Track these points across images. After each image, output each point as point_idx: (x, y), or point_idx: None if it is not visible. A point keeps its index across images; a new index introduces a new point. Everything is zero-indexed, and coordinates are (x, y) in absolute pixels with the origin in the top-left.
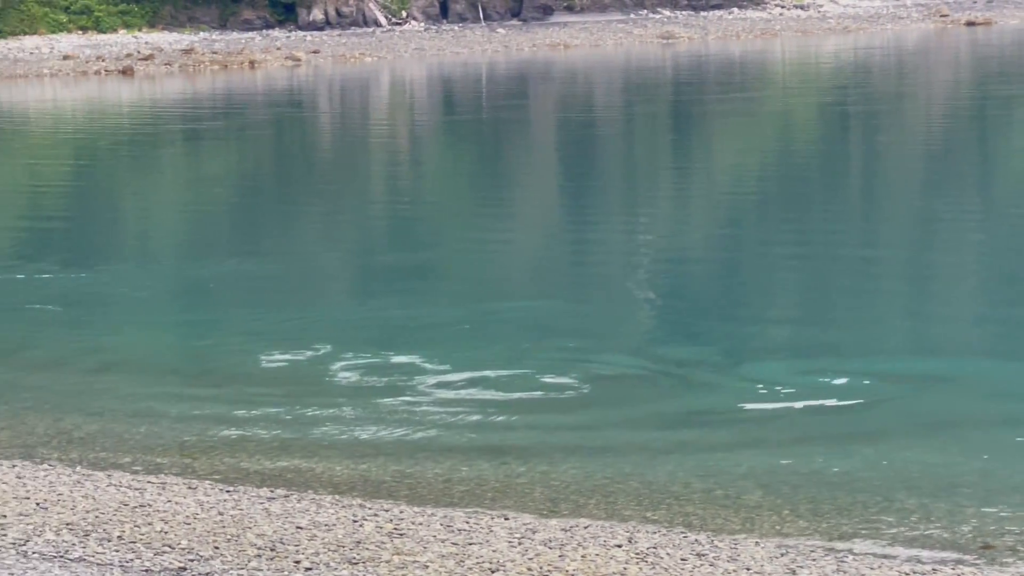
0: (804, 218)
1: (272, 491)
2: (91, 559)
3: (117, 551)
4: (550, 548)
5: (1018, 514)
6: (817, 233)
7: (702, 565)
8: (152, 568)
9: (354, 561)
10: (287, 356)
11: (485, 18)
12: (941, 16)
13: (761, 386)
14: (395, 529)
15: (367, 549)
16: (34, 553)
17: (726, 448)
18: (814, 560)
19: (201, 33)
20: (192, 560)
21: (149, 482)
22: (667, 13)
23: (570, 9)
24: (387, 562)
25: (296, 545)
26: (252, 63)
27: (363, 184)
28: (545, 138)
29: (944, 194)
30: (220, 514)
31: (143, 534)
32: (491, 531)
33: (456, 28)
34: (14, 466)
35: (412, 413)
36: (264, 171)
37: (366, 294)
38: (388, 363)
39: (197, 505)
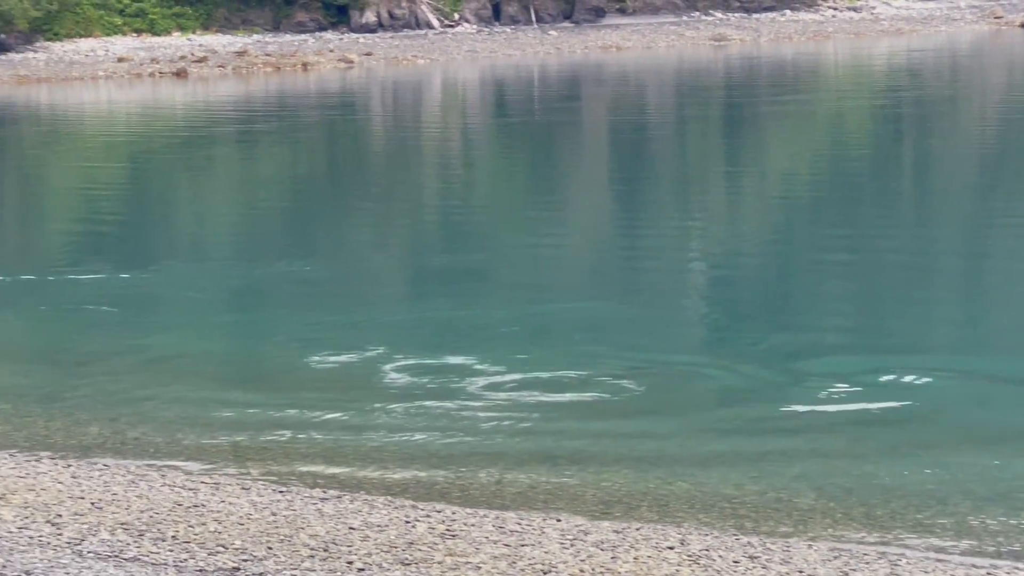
0: (857, 221)
1: (325, 492)
2: (145, 559)
3: (171, 551)
4: (602, 550)
5: None
6: (870, 236)
7: (754, 568)
8: (206, 568)
9: (406, 562)
10: (339, 357)
11: (537, 20)
12: (995, 18)
13: (814, 389)
14: (447, 530)
15: (419, 550)
16: (89, 552)
17: (778, 451)
18: (867, 563)
19: (254, 35)
20: (245, 560)
21: (203, 482)
22: (719, 15)
23: (622, 11)
24: (439, 563)
25: (349, 546)
26: (305, 65)
27: (415, 186)
28: (597, 141)
29: (998, 197)
30: (273, 514)
31: (197, 534)
32: (543, 533)
33: (508, 30)
34: (69, 466)
35: (464, 415)
36: (316, 173)
37: (418, 296)
38: (440, 365)
39: (250, 505)
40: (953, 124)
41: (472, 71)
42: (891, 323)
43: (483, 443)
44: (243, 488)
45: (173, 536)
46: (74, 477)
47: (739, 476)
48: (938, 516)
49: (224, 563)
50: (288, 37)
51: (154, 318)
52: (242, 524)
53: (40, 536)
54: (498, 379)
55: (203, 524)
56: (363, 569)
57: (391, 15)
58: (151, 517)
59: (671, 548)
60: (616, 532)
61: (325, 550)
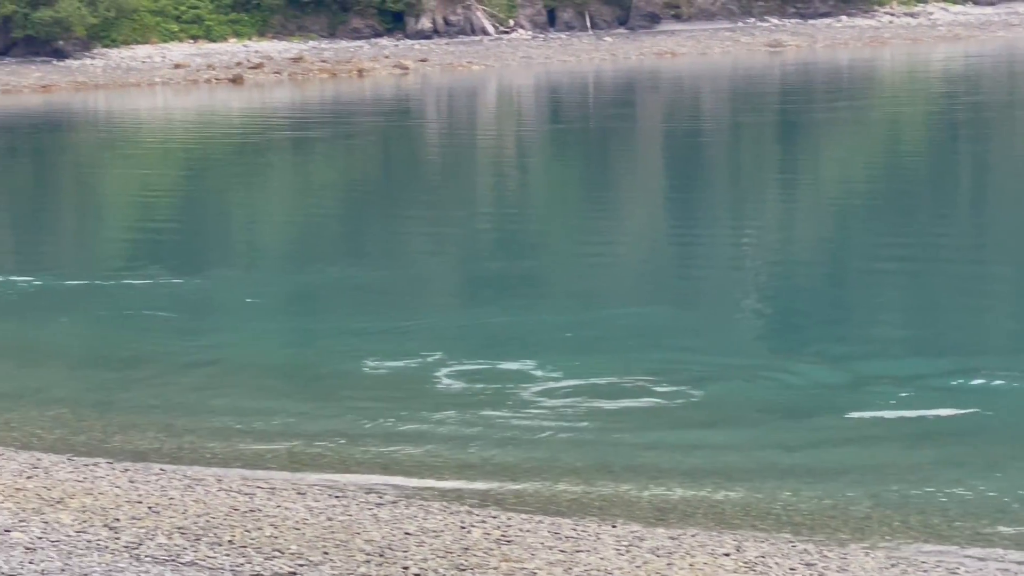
0: (912, 227)
1: (380, 497)
2: (202, 563)
3: (228, 555)
4: (658, 556)
5: None
6: (926, 243)
7: (811, 575)
8: (262, 573)
9: (462, 567)
10: (394, 363)
11: (592, 26)
12: None
13: (871, 395)
14: (503, 536)
15: (475, 555)
16: (147, 556)
17: (835, 457)
18: (925, 572)
19: (310, 42)
20: (302, 565)
21: (259, 487)
22: (775, 21)
23: (677, 17)
24: (495, 568)
25: (404, 551)
26: (360, 71)
27: (469, 193)
28: (651, 147)
29: None
30: (329, 519)
31: (253, 539)
32: (598, 539)
33: (563, 36)
34: (126, 470)
35: (518, 421)
36: (370, 179)
37: (472, 302)
38: (494, 370)
39: (306, 510)
40: (1010, 130)
41: (527, 77)
42: (949, 330)
43: (538, 449)
44: (299, 493)
45: (230, 540)
46: (131, 481)
47: (795, 482)
48: (997, 524)
49: (280, 568)
50: (344, 43)
51: (210, 323)
52: (298, 529)
53: (98, 540)
54: (553, 385)
55: (259, 529)
56: (419, 574)
57: (446, 21)
58: (208, 521)
59: (727, 555)
60: (672, 538)
61: (381, 555)
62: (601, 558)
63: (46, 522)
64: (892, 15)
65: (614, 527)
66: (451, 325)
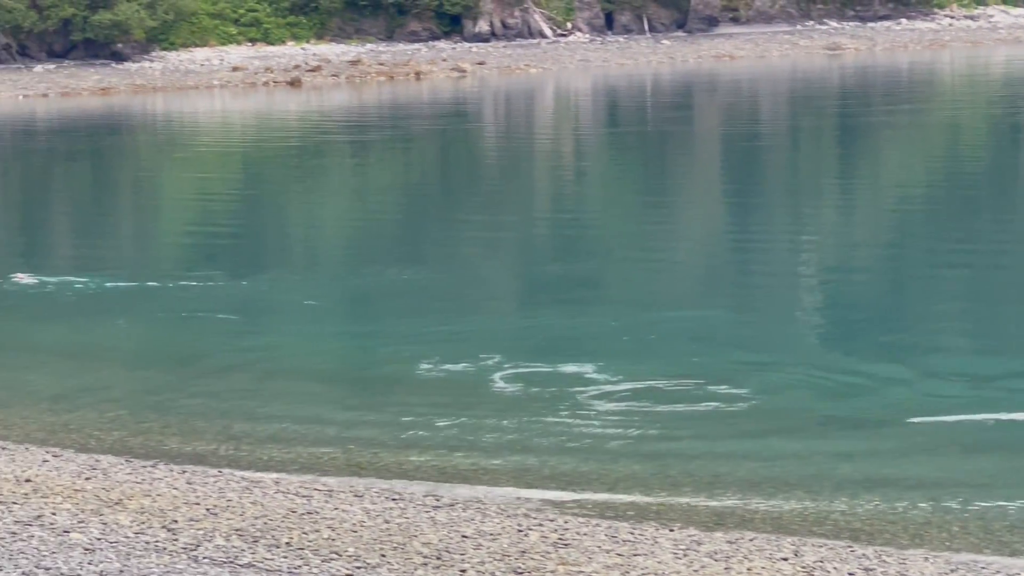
0: (971, 230)
1: (437, 500)
2: (260, 565)
3: (285, 557)
4: (715, 560)
5: None
6: (987, 247)
7: None
8: (320, 575)
9: (519, 571)
10: (450, 365)
11: (650, 29)
12: None
13: (929, 398)
14: (560, 539)
15: (532, 558)
16: (205, 558)
17: (893, 461)
18: None
19: (368, 45)
20: (359, 567)
21: (316, 489)
22: (834, 24)
23: (735, 20)
24: (552, 572)
25: (462, 554)
26: (418, 74)
27: (527, 196)
28: (709, 151)
29: None
30: (386, 522)
31: (311, 541)
32: (656, 543)
33: (621, 40)
34: (184, 471)
35: (575, 423)
36: (428, 182)
37: (529, 305)
38: (551, 373)
39: (364, 513)
40: None
41: (584, 80)
42: (1011, 335)
43: (595, 453)
44: (356, 495)
45: (287, 543)
46: (189, 483)
47: (853, 487)
48: None
49: (338, 570)
50: (401, 46)
51: (268, 325)
52: (355, 531)
53: (156, 541)
54: (610, 389)
55: (317, 531)
56: None
57: (504, 24)
58: (265, 523)
59: (785, 559)
60: (729, 543)
61: (438, 558)
62: (659, 562)
63: (105, 523)
64: (952, 18)
65: (671, 531)
66: (508, 328)
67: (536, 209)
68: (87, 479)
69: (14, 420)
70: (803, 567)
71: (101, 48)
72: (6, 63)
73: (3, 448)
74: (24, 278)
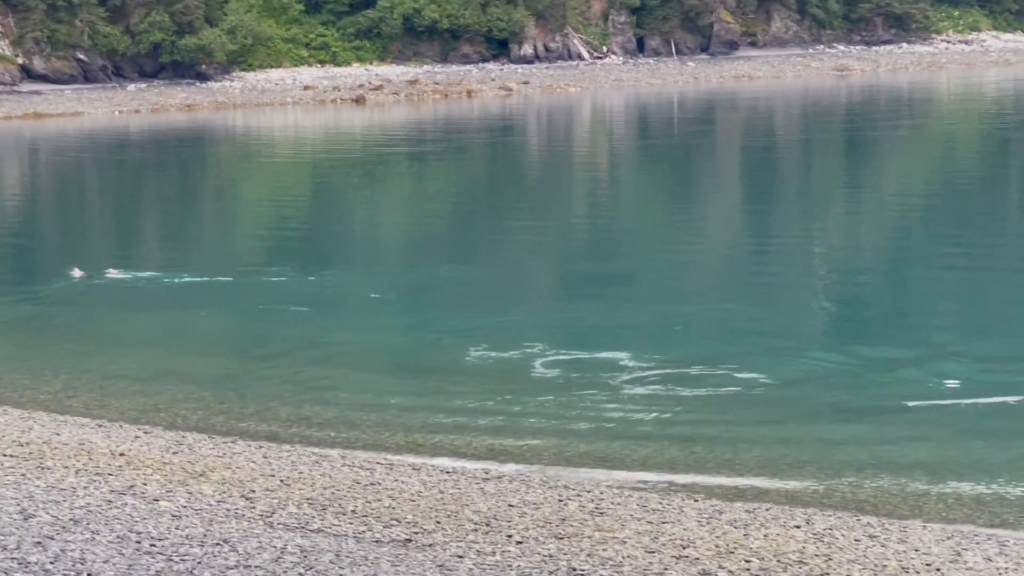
0: (969, 234)
1: (487, 473)
2: (328, 530)
3: (351, 523)
4: (735, 527)
5: None
6: (982, 249)
7: (874, 546)
8: (382, 539)
9: (560, 536)
10: (496, 353)
11: (677, 52)
12: None
13: (929, 383)
14: (596, 508)
15: (571, 525)
16: (279, 524)
17: (896, 439)
18: (978, 543)
19: (425, 66)
20: (416, 533)
21: (378, 463)
22: (842, 48)
23: (754, 44)
24: (589, 537)
25: (508, 521)
26: (469, 92)
27: (566, 200)
28: (730, 160)
29: None
30: (441, 492)
31: (373, 509)
32: (682, 512)
33: (651, 61)
34: (260, 447)
35: (609, 405)
36: (478, 188)
37: (567, 298)
38: (587, 360)
39: (421, 484)
40: None
41: (618, 98)
42: (1002, 324)
43: (627, 430)
44: (414, 468)
45: (352, 510)
46: (265, 457)
47: (859, 464)
48: None
49: (398, 535)
50: (454, 67)
51: (335, 316)
52: (413, 501)
53: (236, 509)
54: (641, 374)
55: (379, 500)
56: (521, 542)
57: (546, 48)
58: (333, 493)
59: (798, 527)
60: (748, 512)
61: (487, 524)
62: (684, 528)
63: (190, 492)
64: (948, 42)
65: (696, 501)
66: (548, 320)
67: (574, 213)
68: (174, 453)
69: (109, 400)
70: (814, 533)
71: (187, 69)
72: (103, 83)
73: (100, 425)
74: (118, 274)
